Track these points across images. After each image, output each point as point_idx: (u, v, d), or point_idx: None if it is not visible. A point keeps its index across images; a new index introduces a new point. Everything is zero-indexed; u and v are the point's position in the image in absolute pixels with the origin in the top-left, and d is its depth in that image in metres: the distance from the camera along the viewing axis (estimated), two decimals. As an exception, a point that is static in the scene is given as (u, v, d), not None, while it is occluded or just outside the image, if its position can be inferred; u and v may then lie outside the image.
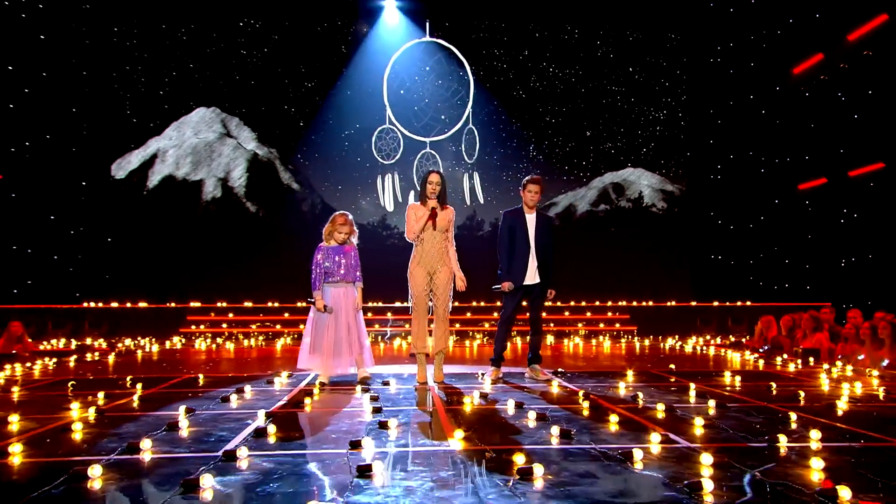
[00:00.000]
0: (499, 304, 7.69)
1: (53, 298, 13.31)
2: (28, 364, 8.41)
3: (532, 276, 6.91)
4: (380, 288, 10.72)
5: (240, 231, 14.56)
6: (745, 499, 3.00)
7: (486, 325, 13.48)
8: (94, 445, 3.96)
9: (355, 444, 3.87)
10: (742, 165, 15.16)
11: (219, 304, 13.50)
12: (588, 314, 14.09)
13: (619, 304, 14.29)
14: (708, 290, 14.73)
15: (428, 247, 6.63)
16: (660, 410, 5.04)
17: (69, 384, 6.32)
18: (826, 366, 8.09)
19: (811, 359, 8.53)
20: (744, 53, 14.85)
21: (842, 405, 5.33)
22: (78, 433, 4.28)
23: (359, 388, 6.19)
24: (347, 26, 15.44)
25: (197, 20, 15.09)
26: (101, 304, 13.46)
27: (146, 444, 3.81)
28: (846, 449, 3.93)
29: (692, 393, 5.81)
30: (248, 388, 6.07)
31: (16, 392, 6.11)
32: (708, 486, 3.06)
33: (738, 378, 6.97)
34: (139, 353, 10.50)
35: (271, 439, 4.13)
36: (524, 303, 7.18)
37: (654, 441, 4.00)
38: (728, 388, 6.33)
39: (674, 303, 14.39)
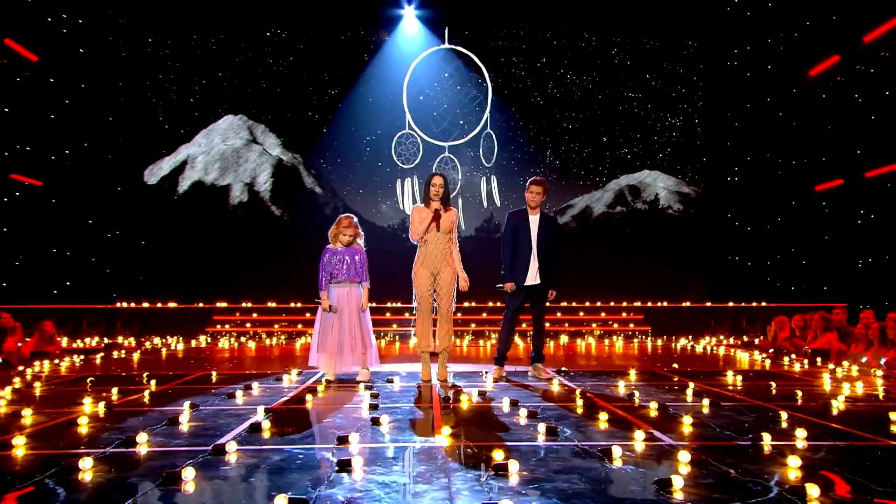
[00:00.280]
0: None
1: (89, 299, 13.61)
2: (56, 361, 8.60)
3: (533, 277, 6.86)
4: (400, 289, 10.76)
5: (265, 234, 14.71)
6: (713, 496, 2.94)
7: (496, 323, 13.43)
8: (95, 439, 4.03)
9: (342, 440, 3.88)
10: (759, 167, 14.88)
11: (243, 305, 13.67)
12: (602, 314, 13.94)
13: (634, 304, 14.10)
14: (723, 291, 14.47)
15: (432, 248, 6.62)
16: (653, 409, 4.96)
17: (88, 380, 6.46)
18: (832, 366, 7.89)
19: (818, 359, 8.33)
20: (761, 56, 14.59)
21: (837, 405, 5.19)
22: (84, 427, 4.36)
23: (361, 385, 6.21)
24: (369, 35, 15.52)
25: (226, 30, 15.31)
26: (132, 305, 13.72)
27: (142, 437, 3.86)
28: (830, 447, 3.83)
29: (689, 392, 5.71)
30: (255, 384, 6.13)
31: (38, 387, 6.26)
32: (678, 482, 3.01)
33: (739, 378, 6.84)
34: (164, 350, 10.68)
35: (265, 434, 4.16)
36: (527, 304, 7.12)
37: (638, 438, 3.95)
38: (727, 388, 6.21)
39: (688, 303, 14.16)
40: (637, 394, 5.55)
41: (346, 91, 15.31)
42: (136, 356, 9.66)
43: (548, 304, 7.22)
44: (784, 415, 4.61)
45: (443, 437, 4.00)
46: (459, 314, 13.67)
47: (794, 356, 8.71)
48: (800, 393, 5.66)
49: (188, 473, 3.12)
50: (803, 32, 13.62)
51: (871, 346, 8.23)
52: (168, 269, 14.39)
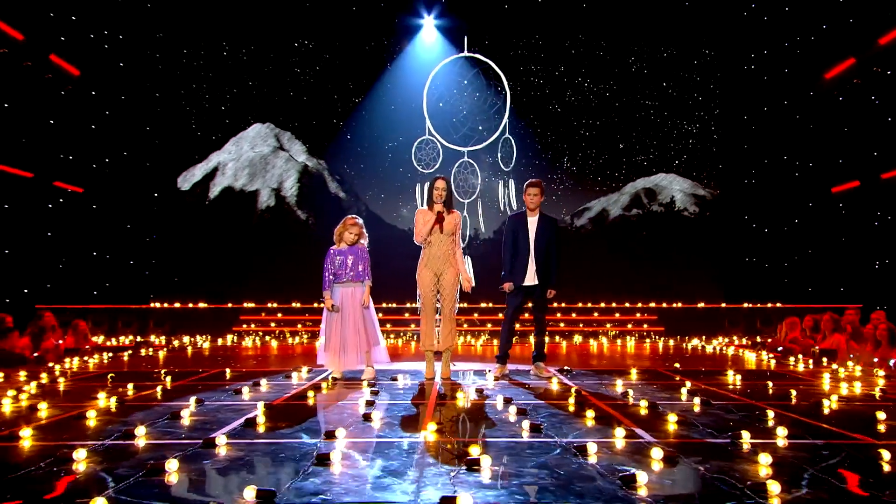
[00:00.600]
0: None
1: (126, 299, 13.94)
2: (85, 358, 8.82)
3: (532, 278, 6.83)
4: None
5: (291, 237, 14.88)
6: (674, 491, 2.90)
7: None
8: (98, 431, 4.12)
9: (329, 434, 3.91)
10: (776, 169, 14.58)
11: (269, 305, 13.86)
12: (617, 315, 13.79)
13: (649, 305, 13.91)
14: (739, 292, 14.20)
15: (435, 249, 6.64)
16: (643, 407, 4.89)
17: (108, 377, 6.61)
18: (835, 366, 7.69)
19: (824, 359, 8.11)
20: (777, 60, 14.31)
21: (829, 404, 5.06)
22: (92, 420, 4.45)
23: (365, 383, 6.23)
24: (391, 45, 15.62)
25: (256, 41, 15.54)
26: (165, 305, 14.01)
27: (140, 430, 3.95)
28: (808, 446, 3.74)
29: (684, 391, 5.61)
30: (264, 381, 6.20)
31: (61, 382, 6.42)
32: (643, 478, 2.97)
33: (738, 377, 6.70)
34: (189, 349, 10.87)
35: (260, 429, 4.21)
36: (529, 304, 7.08)
37: (619, 436, 3.90)
38: (724, 387, 6.09)
39: (702, 304, 13.92)
40: (631, 392, 5.48)
41: (368, 99, 15.44)
42: (161, 354, 9.84)
43: (550, 304, 7.15)
44: (771, 413, 4.51)
45: (427, 433, 4.00)
46: (476, 314, 13.66)
47: (801, 356, 8.50)
48: (794, 392, 5.52)
49: (171, 465, 3.18)
50: (819, 35, 13.32)
51: (879, 347, 8.00)
52: (199, 271, 14.66)
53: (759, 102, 14.81)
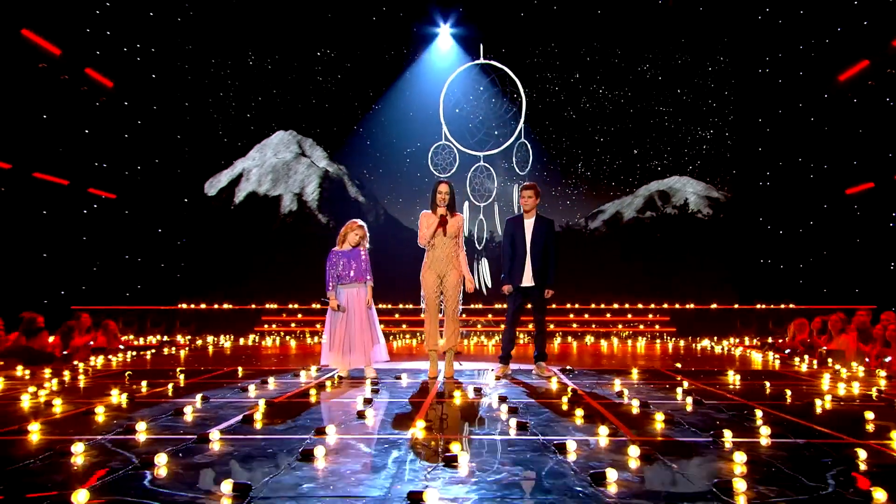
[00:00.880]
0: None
1: (156, 300, 14.21)
2: (110, 356, 9.01)
3: (529, 279, 6.80)
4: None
5: (312, 240, 14.97)
6: (642, 489, 2.87)
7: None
8: (103, 427, 4.20)
9: (320, 431, 3.95)
10: (791, 171, 14.31)
11: (290, 306, 14.01)
12: (629, 316, 13.65)
13: (662, 306, 13.74)
14: (752, 293, 13.95)
15: (438, 252, 6.65)
16: (634, 406, 4.84)
17: (126, 374, 6.74)
18: (837, 367, 7.51)
19: (829, 360, 7.93)
20: (792, 63, 14.04)
21: (822, 404, 4.95)
22: (100, 416, 4.55)
23: (368, 381, 6.27)
24: (410, 53, 15.70)
25: (280, 51, 15.75)
26: (192, 306, 14.24)
27: (141, 426, 4.02)
28: (789, 445, 3.67)
29: (679, 390, 5.54)
30: (272, 380, 6.27)
31: (81, 380, 6.57)
32: (612, 475, 2.95)
33: (738, 377, 6.59)
34: (210, 348, 11.03)
35: (257, 425, 4.26)
36: (528, 305, 7.06)
37: (603, 434, 3.87)
38: (721, 387, 5.99)
39: (715, 305, 13.70)
40: (626, 392, 5.42)
41: (387, 105, 15.55)
42: (182, 353, 10.00)
43: (550, 304, 7.12)
44: (759, 413, 4.42)
45: (416, 431, 4.01)
46: (490, 315, 13.64)
47: (807, 357, 8.33)
48: (789, 392, 5.41)
49: (160, 459, 3.24)
50: (833, 38, 13.04)
51: (889, 347, 7.79)
52: (224, 273, 14.89)
53: (773, 105, 14.55)
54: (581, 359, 9.16)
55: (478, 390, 5.64)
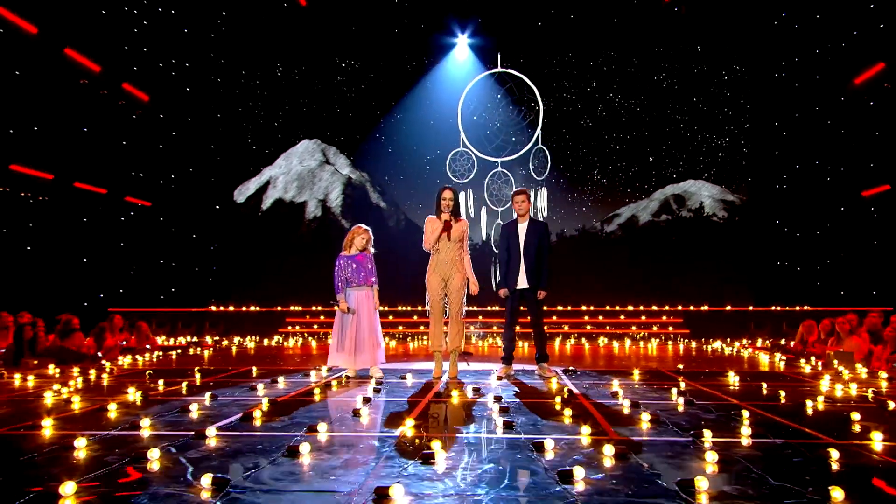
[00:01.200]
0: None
1: (188, 303, 14.53)
2: (137, 356, 9.23)
3: (523, 281, 6.80)
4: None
5: (335, 245, 15.06)
6: (608, 487, 2.86)
7: (545, 327, 13.21)
8: (112, 423, 4.33)
9: (311, 428, 4.00)
10: (807, 174, 14.00)
11: (313, 308, 14.18)
12: (643, 318, 13.47)
13: (676, 308, 13.54)
14: (768, 295, 13.66)
15: (443, 256, 6.67)
16: (625, 407, 4.80)
17: (147, 373, 6.91)
18: (840, 367, 7.32)
19: (835, 361, 7.73)
20: (808, 67, 13.76)
21: (814, 405, 4.84)
22: (112, 413, 4.68)
23: (372, 381, 6.32)
24: (431, 63, 15.79)
25: (308, 62, 15.99)
26: (221, 308, 14.51)
27: (145, 422, 4.13)
28: (767, 445, 3.61)
29: (674, 391, 5.46)
30: (282, 379, 6.37)
31: (105, 378, 6.76)
32: (579, 474, 2.94)
33: (737, 378, 6.47)
34: (234, 348, 11.22)
35: (257, 422, 4.34)
36: (524, 307, 7.06)
37: (585, 433, 3.84)
38: (719, 388, 5.89)
39: (730, 307, 13.44)
40: (622, 392, 5.38)
41: (407, 114, 15.67)
42: (207, 353, 10.19)
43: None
44: (746, 413, 4.35)
45: (405, 429, 4.04)
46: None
47: (814, 358, 8.13)
48: (783, 393, 5.30)
49: (153, 454, 3.33)
50: (849, 42, 12.74)
51: (896, 349, 7.57)
52: (252, 276, 15.15)
53: (790, 109, 14.27)
54: (587, 360, 9.08)
55: (476, 390, 5.65)
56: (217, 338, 12.99)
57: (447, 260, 6.66)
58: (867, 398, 5.31)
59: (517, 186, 14.72)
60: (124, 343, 10.00)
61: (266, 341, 12.72)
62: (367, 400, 5.10)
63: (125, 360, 8.70)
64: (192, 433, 3.89)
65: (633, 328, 13.23)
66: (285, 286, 14.84)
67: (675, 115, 15.05)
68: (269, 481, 2.93)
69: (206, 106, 15.65)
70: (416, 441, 3.77)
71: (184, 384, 6.08)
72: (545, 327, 11.92)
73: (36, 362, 7.96)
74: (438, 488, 2.83)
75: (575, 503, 2.65)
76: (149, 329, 10.65)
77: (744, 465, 3.17)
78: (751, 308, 13.40)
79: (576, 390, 5.68)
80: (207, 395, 5.25)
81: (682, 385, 5.80)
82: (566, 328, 13.25)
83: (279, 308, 14.38)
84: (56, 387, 5.82)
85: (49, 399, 5.30)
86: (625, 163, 15.25)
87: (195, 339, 12.74)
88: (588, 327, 13.35)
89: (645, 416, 4.30)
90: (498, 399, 5.10)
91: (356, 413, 4.56)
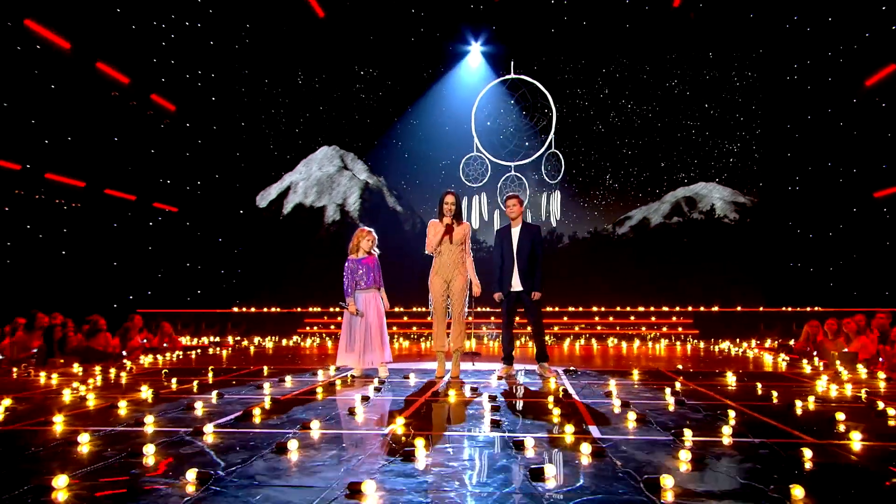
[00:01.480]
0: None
1: (213, 304, 14.78)
2: (158, 355, 9.43)
3: (517, 283, 6.81)
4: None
5: (354, 248, 15.28)
6: (576, 484, 2.86)
7: (556, 328, 13.18)
8: (119, 419, 4.45)
9: (305, 426, 4.07)
10: (819, 176, 13.74)
11: (331, 309, 14.31)
12: (653, 319, 13.33)
13: (686, 309, 13.37)
14: (779, 296, 13.42)
15: (445, 258, 6.71)
16: (616, 406, 4.78)
17: (163, 372, 7.06)
18: (840, 368, 7.17)
19: (837, 362, 7.57)
20: (820, 69, 13.51)
21: (805, 405, 4.77)
22: (122, 409, 4.81)
23: (376, 380, 6.38)
24: (444, 71, 15.86)
25: (328, 70, 16.15)
26: (243, 309, 14.73)
27: (149, 419, 4.24)
28: (744, 444, 3.58)
29: (668, 391, 5.42)
30: (289, 378, 6.46)
31: (123, 377, 6.92)
32: (550, 471, 2.96)
33: (734, 379, 6.39)
34: (252, 348, 11.38)
35: (256, 420, 4.42)
36: (520, 309, 7.06)
37: (568, 432, 3.85)
38: (715, 388, 5.82)
39: (740, 308, 13.22)
40: (615, 392, 5.36)
41: (423, 120, 15.74)
42: (225, 353, 10.34)
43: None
44: (732, 413, 4.31)
45: (394, 426, 4.09)
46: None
47: (817, 358, 7.98)
48: (776, 393, 5.23)
49: (148, 449, 3.42)
50: (861, 43, 12.49)
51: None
52: (273, 278, 15.36)
53: (802, 111, 14.02)
54: (592, 360, 9.03)
55: (474, 389, 5.67)
56: (238, 338, 13.18)
57: (449, 262, 6.70)
58: (860, 399, 5.21)
59: (530, 190, 14.72)
60: (145, 342, 10.22)
61: (285, 341, 12.88)
62: (365, 398, 5.15)
63: (146, 360, 8.88)
64: (191, 430, 3.98)
65: (643, 329, 13.10)
66: (305, 288, 15.00)
67: (687, 121, 14.89)
68: (251, 476, 3.00)
69: (231, 114, 15.92)
70: (403, 439, 3.81)
71: (195, 383, 6.20)
72: (556, 327, 11.89)
73: (62, 361, 8.18)
74: (411, 484, 2.87)
75: (540, 499, 2.66)
76: (171, 329, 10.85)
77: (715, 464, 3.16)
78: (761, 309, 13.18)
79: (571, 390, 5.67)
80: (214, 393, 5.35)
81: (678, 385, 5.74)
82: (577, 329, 13.17)
83: (298, 309, 14.55)
84: (76, 385, 5.99)
85: (67, 396, 5.45)
86: (636, 168, 15.13)
87: (217, 339, 12.94)
88: (598, 328, 13.25)
89: (631, 416, 4.28)
90: (492, 398, 5.12)
91: (351, 411, 4.61)
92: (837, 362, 7.51)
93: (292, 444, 3.51)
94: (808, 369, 7.47)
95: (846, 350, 8.00)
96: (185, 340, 12.09)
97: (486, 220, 14.52)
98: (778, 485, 2.78)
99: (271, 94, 16.16)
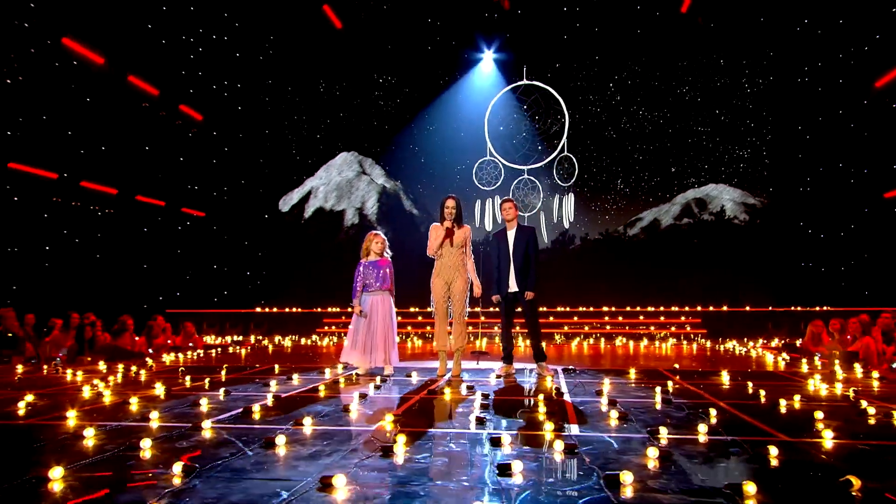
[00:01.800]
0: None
1: (237, 305, 15.06)
2: (180, 354, 9.65)
3: (513, 284, 6.83)
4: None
5: (371, 250, 15.43)
6: (543, 479, 2.89)
7: (566, 327, 13.13)
8: (128, 414, 4.59)
9: (298, 423, 4.16)
10: (830, 177, 13.46)
11: (349, 309, 14.43)
12: (661, 318, 13.18)
13: (695, 308, 13.20)
14: (789, 296, 13.17)
15: (446, 260, 6.76)
16: (603, 405, 4.79)
17: (179, 370, 7.24)
18: (837, 367, 7.03)
19: (836, 361, 7.42)
20: (831, 71, 13.24)
21: (791, 404, 4.72)
22: (133, 405, 4.96)
23: (378, 378, 6.46)
24: (459, 77, 15.91)
25: (348, 78, 16.34)
26: (266, 310, 14.97)
27: (154, 415, 4.37)
28: (716, 442, 3.56)
29: (658, 390, 5.39)
30: (296, 375, 6.57)
31: (143, 374, 7.11)
32: (517, 467, 2.99)
33: (728, 378, 6.32)
34: (270, 347, 11.56)
35: (255, 416, 4.52)
36: (518, 309, 7.08)
37: (548, 430, 3.87)
38: (705, 387, 5.77)
39: (749, 307, 13.01)
40: (607, 391, 5.35)
41: (439, 125, 15.82)
42: (244, 352, 10.54)
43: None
44: (714, 412, 4.29)
45: (384, 423, 4.15)
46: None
47: (817, 358, 7.84)
48: (763, 392, 5.17)
49: (145, 443, 3.55)
50: (872, 45, 12.22)
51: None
52: (295, 280, 15.58)
53: (813, 112, 13.76)
54: (595, 359, 8.99)
55: (470, 388, 5.71)
56: (260, 337, 13.40)
57: (450, 265, 6.76)
58: (848, 397, 5.12)
59: (544, 194, 14.70)
60: (169, 342, 10.46)
61: (304, 340, 13.05)
62: (363, 396, 5.23)
63: (168, 358, 9.09)
64: (190, 425, 4.09)
65: (652, 328, 12.98)
66: (324, 289, 15.19)
67: (698, 127, 14.72)
68: (235, 469, 3.08)
69: (255, 123, 16.22)
70: (387, 435, 3.87)
71: (206, 380, 6.35)
72: (566, 327, 11.83)
73: (89, 359, 8.44)
74: (382, 478, 2.93)
75: (500, 493, 2.70)
76: (194, 329, 11.10)
77: (681, 461, 3.16)
78: (770, 308, 12.96)
79: (564, 389, 5.68)
80: (222, 390, 5.48)
81: (671, 384, 5.71)
82: (587, 329, 13.12)
83: (318, 309, 14.74)
84: (96, 381, 6.18)
85: (86, 393, 5.64)
86: (647, 172, 15.02)
87: (240, 338, 13.18)
88: (608, 328, 13.17)
89: (614, 414, 4.29)
90: (485, 396, 5.15)
91: (346, 409, 4.69)
92: (836, 362, 7.37)
93: (280, 440, 3.59)
94: (804, 368, 7.35)
95: (847, 349, 7.84)
96: (209, 340, 12.34)
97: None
98: (730, 480, 2.78)
99: (293, 102, 16.41)
